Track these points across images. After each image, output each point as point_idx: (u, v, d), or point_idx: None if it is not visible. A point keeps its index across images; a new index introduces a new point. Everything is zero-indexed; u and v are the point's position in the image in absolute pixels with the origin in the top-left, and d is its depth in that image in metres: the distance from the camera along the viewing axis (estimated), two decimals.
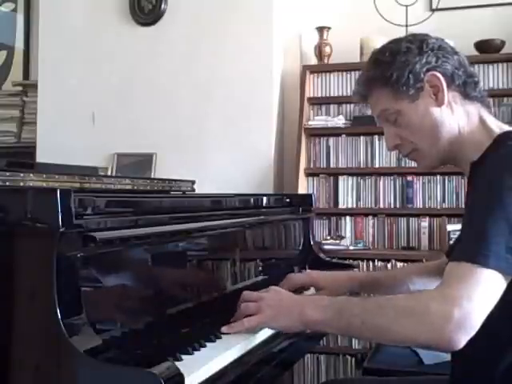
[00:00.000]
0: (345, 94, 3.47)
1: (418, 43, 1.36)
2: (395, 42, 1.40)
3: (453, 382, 1.41)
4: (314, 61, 3.61)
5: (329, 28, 3.52)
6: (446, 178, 3.25)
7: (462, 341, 1.13)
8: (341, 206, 3.42)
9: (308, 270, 1.78)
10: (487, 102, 1.41)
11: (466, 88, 1.36)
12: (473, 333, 1.13)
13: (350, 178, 3.42)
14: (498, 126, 1.37)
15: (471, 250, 1.17)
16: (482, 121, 1.37)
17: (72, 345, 0.98)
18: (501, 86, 3.29)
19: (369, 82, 1.41)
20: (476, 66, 3.30)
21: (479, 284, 1.14)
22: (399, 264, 3.02)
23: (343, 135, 3.44)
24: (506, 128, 1.37)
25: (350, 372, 3.13)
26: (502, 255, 1.15)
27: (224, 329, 1.34)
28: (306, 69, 3.51)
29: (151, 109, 3.62)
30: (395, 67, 1.35)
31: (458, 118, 1.36)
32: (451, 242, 3.10)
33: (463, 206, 3.39)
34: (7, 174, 1.35)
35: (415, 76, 1.33)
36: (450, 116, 1.35)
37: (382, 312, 1.21)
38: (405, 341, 1.26)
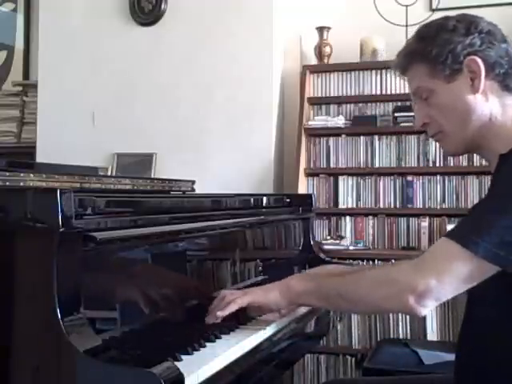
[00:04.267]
0: (345, 93, 3.47)
1: (466, 23, 1.30)
2: (444, 18, 1.34)
3: (457, 381, 1.40)
4: (314, 61, 3.61)
5: (329, 28, 3.52)
6: (446, 177, 3.24)
7: (423, 311, 1.18)
8: (341, 206, 3.41)
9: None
10: None
11: (507, 79, 1.30)
12: (436, 304, 1.19)
13: (349, 177, 3.41)
14: None
15: (465, 232, 1.18)
16: None
17: (72, 345, 0.98)
18: None
19: (409, 55, 1.37)
20: None
21: (457, 267, 1.15)
22: None
23: (343, 135, 3.43)
24: None
25: (350, 372, 3.12)
26: (493, 247, 1.13)
27: (209, 318, 1.37)
28: (306, 69, 3.51)
29: (151, 109, 3.62)
30: (436, 44, 1.30)
31: (491, 106, 1.30)
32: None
33: (463, 205, 3.40)
34: (7, 174, 1.35)
35: (454, 56, 1.29)
36: (483, 103, 1.30)
37: (357, 283, 1.29)
38: (374, 308, 1.38)
